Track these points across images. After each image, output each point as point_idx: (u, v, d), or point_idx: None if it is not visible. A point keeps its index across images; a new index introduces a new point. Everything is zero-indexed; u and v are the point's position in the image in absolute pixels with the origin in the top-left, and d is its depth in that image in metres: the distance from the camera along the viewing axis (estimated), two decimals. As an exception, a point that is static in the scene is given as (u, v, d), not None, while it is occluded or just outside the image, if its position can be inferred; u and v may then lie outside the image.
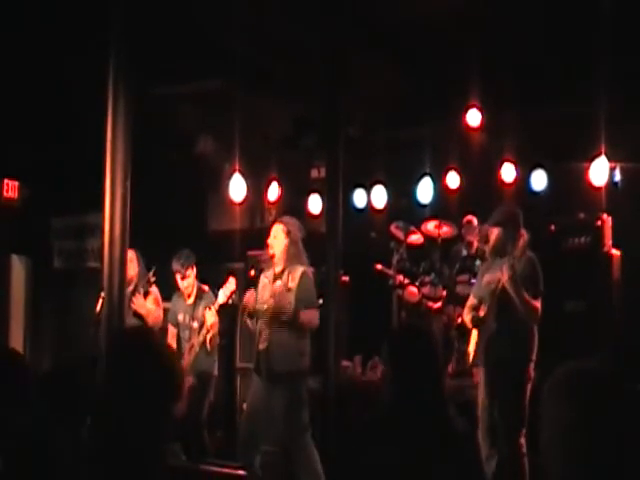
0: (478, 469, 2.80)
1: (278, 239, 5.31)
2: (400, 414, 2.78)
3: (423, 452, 2.67)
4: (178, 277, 6.22)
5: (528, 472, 4.69)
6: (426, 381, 2.78)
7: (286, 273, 5.28)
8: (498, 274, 4.76)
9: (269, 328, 5.20)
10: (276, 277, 5.32)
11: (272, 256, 5.31)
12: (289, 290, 5.22)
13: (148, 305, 6.07)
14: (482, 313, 4.90)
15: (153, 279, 6.08)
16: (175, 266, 6.20)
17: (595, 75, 6.14)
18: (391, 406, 2.84)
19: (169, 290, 6.44)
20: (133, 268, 5.81)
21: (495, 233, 4.93)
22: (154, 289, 6.15)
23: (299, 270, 5.28)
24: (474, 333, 5.01)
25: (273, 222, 5.56)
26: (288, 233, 5.32)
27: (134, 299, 5.93)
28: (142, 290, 6.02)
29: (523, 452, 4.71)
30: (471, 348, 5.01)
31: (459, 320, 5.78)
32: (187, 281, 6.22)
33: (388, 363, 2.88)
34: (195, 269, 6.25)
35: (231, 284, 5.78)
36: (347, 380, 6.27)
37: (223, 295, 5.79)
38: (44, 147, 7.73)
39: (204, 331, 6.02)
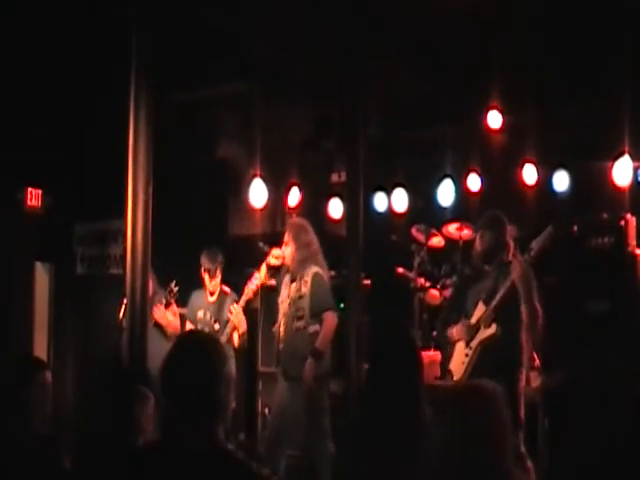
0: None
1: (288, 246, 5.37)
2: (373, 414, 2.79)
3: (389, 451, 2.67)
4: (206, 276, 6.24)
5: None
6: (399, 381, 2.78)
7: (299, 278, 5.32)
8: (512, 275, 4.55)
9: (285, 331, 5.23)
10: (292, 280, 5.38)
11: (288, 266, 5.32)
12: (301, 297, 5.22)
13: (169, 316, 6.17)
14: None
15: (176, 289, 6.12)
16: (207, 264, 6.20)
17: (617, 73, 6.08)
18: (368, 407, 2.87)
19: (190, 294, 6.46)
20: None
21: (486, 237, 4.83)
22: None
23: (311, 272, 5.26)
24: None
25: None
26: (296, 238, 5.32)
27: (155, 310, 6.03)
28: (164, 301, 6.09)
29: None
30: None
31: None
32: (215, 280, 6.24)
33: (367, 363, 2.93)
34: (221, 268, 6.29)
35: (257, 279, 5.83)
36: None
37: (249, 289, 5.84)
38: (66, 155, 7.79)
39: (228, 330, 6.03)
